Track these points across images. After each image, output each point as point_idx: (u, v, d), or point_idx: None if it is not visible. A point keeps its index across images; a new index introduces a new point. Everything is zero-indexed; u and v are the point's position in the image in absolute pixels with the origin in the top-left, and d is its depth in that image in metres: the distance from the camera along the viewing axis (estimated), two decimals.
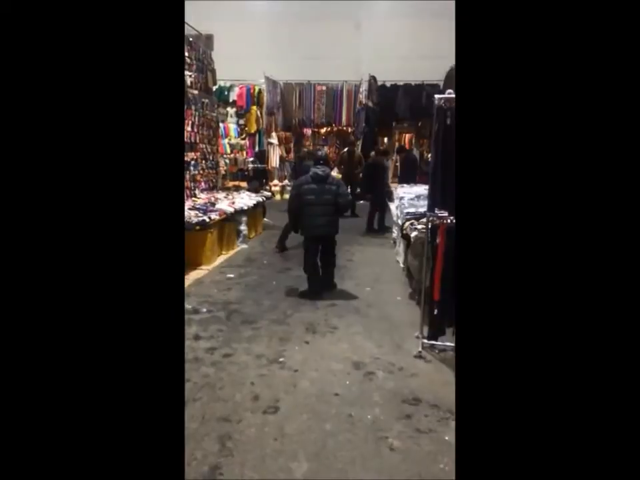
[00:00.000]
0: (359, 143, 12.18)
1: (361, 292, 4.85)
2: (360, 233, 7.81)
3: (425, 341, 3.43)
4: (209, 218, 5.68)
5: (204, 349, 3.40)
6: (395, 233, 7.38)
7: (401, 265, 5.82)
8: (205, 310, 4.22)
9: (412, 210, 4.83)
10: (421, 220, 4.45)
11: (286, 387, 2.89)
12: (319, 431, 2.45)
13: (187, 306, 4.26)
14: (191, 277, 5.22)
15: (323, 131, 14.06)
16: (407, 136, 13.92)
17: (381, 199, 7.92)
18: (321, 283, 4.71)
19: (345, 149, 10.40)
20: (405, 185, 7.61)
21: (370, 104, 12.28)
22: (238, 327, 3.86)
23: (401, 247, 6.06)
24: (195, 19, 7.89)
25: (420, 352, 3.34)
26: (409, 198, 5.60)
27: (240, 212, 6.73)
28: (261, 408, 2.65)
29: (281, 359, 3.26)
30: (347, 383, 2.95)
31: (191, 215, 5.55)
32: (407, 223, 4.52)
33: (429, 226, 3.29)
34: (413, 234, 4.12)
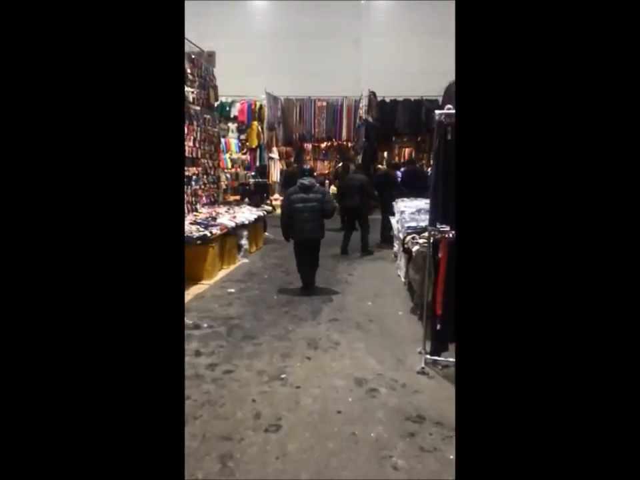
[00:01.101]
0: (359, 157, 12.26)
1: (362, 306, 4.83)
2: (359, 247, 7.78)
3: (428, 356, 3.40)
4: (210, 232, 5.68)
5: (204, 365, 3.37)
6: (396, 246, 7.38)
7: (402, 279, 5.80)
8: (205, 325, 4.19)
9: (413, 224, 4.83)
10: (423, 234, 4.45)
11: (288, 404, 2.85)
12: (322, 449, 2.41)
13: (188, 321, 4.23)
14: (191, 292, 5.20)
15: (324, 145, 14.16)
16: (407, 150, 14.02)
17: (389, 210, 7.93)
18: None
19: (340, 164, 10.49)
20: (405, 199, 7.60)
21: (370, 119, 12.37)
22: (239, 342, 3.83)
23: (402, 261, 6.04)
24: (198, 36, 8.03)
25: (423, 368, 3.31)
26: (410, 212, 5.59)
27: (241, 226, 6.74)
28: (263, 426, 2.61)
29: (282, 376, 3.22)
30: (350, 400, 2.91)
31: (192, 230, 5.55)
32: (408, 237, 4.51)
33: (431, 240, 3.28)
34: (415, 248, 4.11)
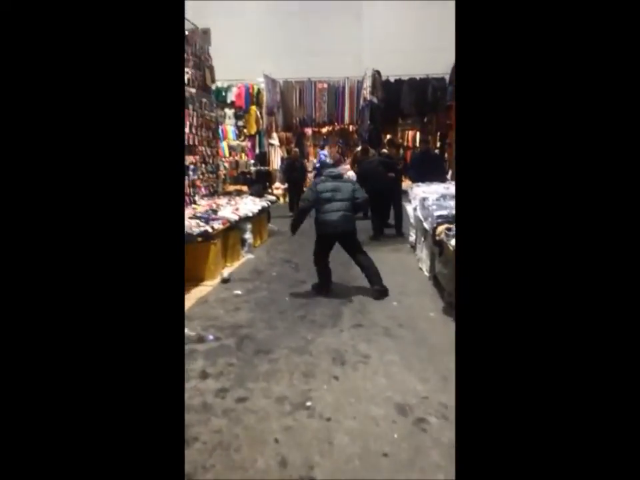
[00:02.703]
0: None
1: (387, 307, 4.27)
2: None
3: None
4: (212, 227, 5.10)
5: (213, 392, 2.81)
6: (413, 236, 6.80)
7: (426, 274, 5.24)
8: (211, 337, 3.63)
9: (444, 212, 4.24)
10: None
11: (320, 444, 2.30)
12: None
13: (190, 332, 3.66)
14: (192, 296, 4.63)
15: (325, 130, 13.48)
16: (411, 133, 13.36)
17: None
18: (373, 290, 4.59)
19: (359, 148, 9.90)
20: (420, 184, 6.99)
21: (375, 100, 11.69)
22: (252, 359, 3.27)
23: (424, 253, 5.48)
24: (191, 15, 7.33)
25: None
26: (434, 198, 5.00)
27: (244, 219, 6.15)
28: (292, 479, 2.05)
29: (308, 403, 2.66)
30: (395, 436, 2.36)
31: (191, 225, 4.96)
32: (441, 228, 3.93)
33: None
34: (453, 241, 3.52)
